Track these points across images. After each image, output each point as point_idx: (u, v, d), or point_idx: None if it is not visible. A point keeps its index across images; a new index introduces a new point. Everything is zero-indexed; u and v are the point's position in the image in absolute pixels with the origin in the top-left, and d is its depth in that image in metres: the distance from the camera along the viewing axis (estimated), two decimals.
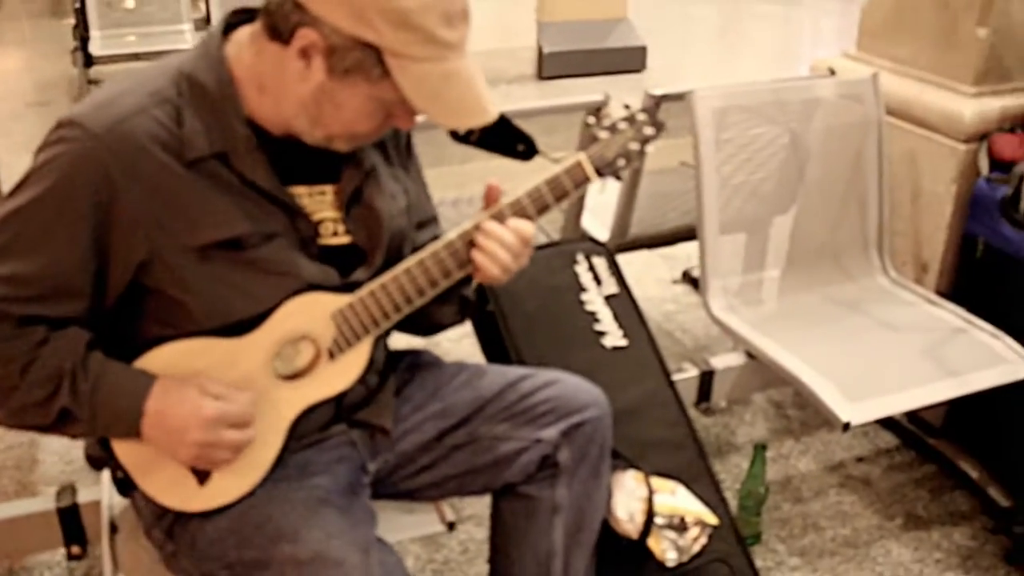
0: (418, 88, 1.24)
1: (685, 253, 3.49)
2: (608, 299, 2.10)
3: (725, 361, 2.33)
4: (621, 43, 6.00)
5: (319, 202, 1.40)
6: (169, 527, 1.44)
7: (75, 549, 1.88)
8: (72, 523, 1.87)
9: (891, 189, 2.57)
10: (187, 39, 5.24)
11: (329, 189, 1.41)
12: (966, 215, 2.48)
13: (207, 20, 5.40)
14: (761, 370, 2.33)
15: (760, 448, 2.26)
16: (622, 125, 1.44)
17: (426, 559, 2.27)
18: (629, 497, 1.73)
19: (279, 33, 1.25)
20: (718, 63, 7.20)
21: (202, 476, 1.38)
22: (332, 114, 1.28)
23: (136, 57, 5.38)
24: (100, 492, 1.81)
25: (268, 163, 1.32)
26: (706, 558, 1.79)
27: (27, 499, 1.94)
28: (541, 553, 1.57)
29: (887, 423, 2.74)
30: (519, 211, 1.41)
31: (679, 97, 2.36)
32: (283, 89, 1.28)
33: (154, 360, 1.34)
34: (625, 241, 2.73)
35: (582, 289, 2.10)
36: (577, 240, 2.21)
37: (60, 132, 1.27)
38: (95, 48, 5.09)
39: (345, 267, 1.40)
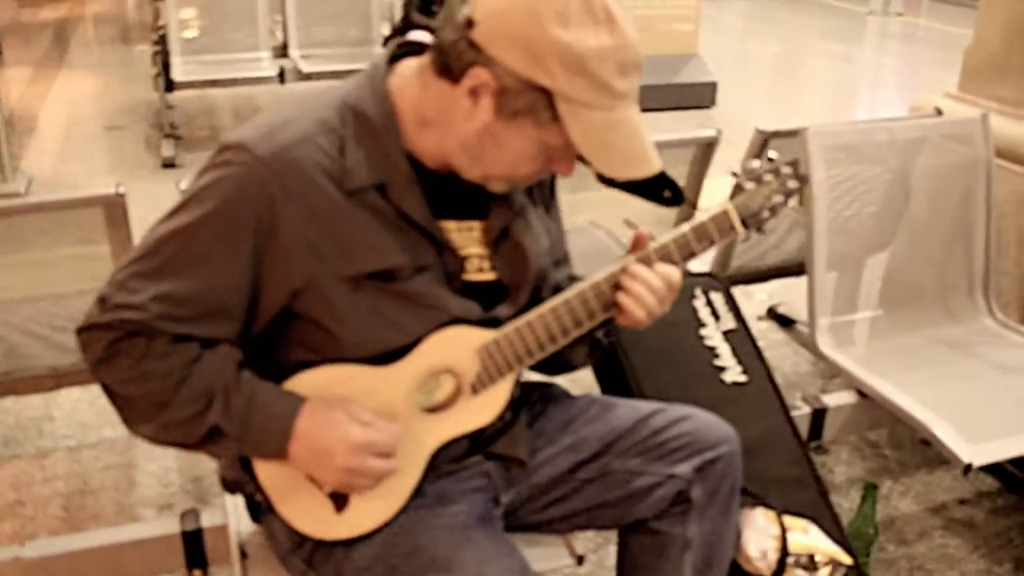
0: (585, 135, 1.24)
1: (769, 289, 3.48)
2: (726, 334, 2.11)
3: (837, 399, 2.32)
4: (692, 79, 6.03)
5: (467, 238, 1.41)
6: (310, 555, 1.44)
7: (197, 573, 1.90)
8: (195, 547, 1.89)
9: (996, 230, 2.56)
10: (265, 67, 5.32)
11: (477, 225, 1.41)
12: None
13: (284, 48, 5.48)
14: (871, 409, 2.31)
15: (871, 487, 2.24)
16: (767, 177, 1.43)
17: None
18: (760, 534, 1.73)
19: (450, 71, 1.26)
20: (784, 100, 7.21)
21: (340, 504, 1.39)
22: (494, 154, 1.29)
23: (214, 84, 5.48)
24: (225, 516, 1.83)
25: (423, 197, 1.34)
26: None
27: (150, 522, 1.96)
28: None
29: (988, 466, 2.70)
30: (665, 256, 1.40)
31: (791, 134, 2.37)
32: (447, 126, 1.30)
33: (299, 384, 1.35)
34: (724, 276, 2.73)
35: (701, 324, 2.10)
36: (694, 275, 2.22)
37: (227, 155, 1.28)
38: (176, 74, 5.18)
39: (487, 303, 1.41)
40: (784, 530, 1.73)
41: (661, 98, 5.92)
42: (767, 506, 1.78)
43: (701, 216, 1.41)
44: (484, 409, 1.42)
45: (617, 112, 1.25)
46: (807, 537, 1.75)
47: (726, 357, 2.08)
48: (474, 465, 1.50)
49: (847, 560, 1.73)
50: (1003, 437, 2.08)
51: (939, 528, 2.51)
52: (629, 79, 1.25)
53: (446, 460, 1.46)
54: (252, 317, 1.34)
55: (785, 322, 3.46)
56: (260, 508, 1.52)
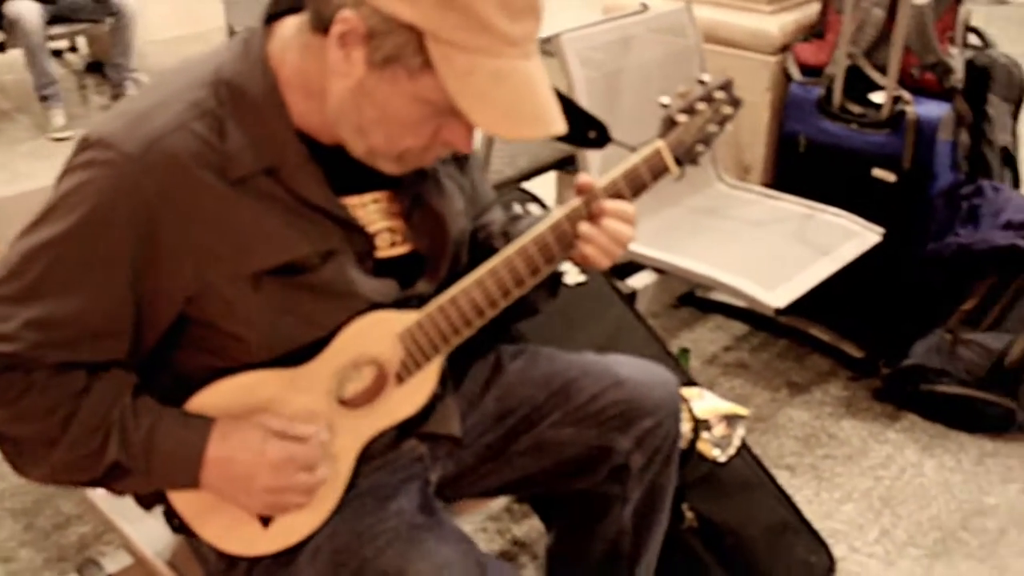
0: (462, 83, 1.08)
1: None
2: None
3: (642, 280, 2.52)
4: None
5: (372, 211, 1.28)
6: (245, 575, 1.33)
7: None
8: None
9: None
10: None
11: (382, 196, 1.29)
12: (782, 118, 2.84)
13: None
14: (667, 283, 2.55)
15: (685, 352, 2.49)
16: (700, 105, 1.33)
17: None
18: None
19: (322, 21, 1.11)
20: None
21: (266, 519, 1.29)
22: (373, 120, 1.14)
23: None
24: (128, 555, 1.65)
25: (322, 176, 1.20)
26: None
27: None
28: (609, 536, 1.55)
29: (734, 312, 3.08)
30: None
31: (544, 40, 2.49)
32: (326, 88, 1.15)
33: (205, 399, 1.23)
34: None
35: None
36: (509, 190, 2.28)
37: (89, 153, 1.13)
38: None
39: (405, 279, 1.30)
40: (687, 401, 1.89)
41: None
42: None
43: (633, 159, 1.31)
44: (412, 397, 1.33)
45: (503, 60, 1.09)
46: (705, 402, 1.92)
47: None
48: (408, 451, 1.41)
49: (744, 412, 1.94)
50: (789, 279, 2.39)
51: (721, 375, 2.84)
52: (518, 23, 1.09)
53: (379, 451, 1.36)
54: (141, 331, 1.19)
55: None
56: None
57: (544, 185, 2.96)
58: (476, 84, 1.08)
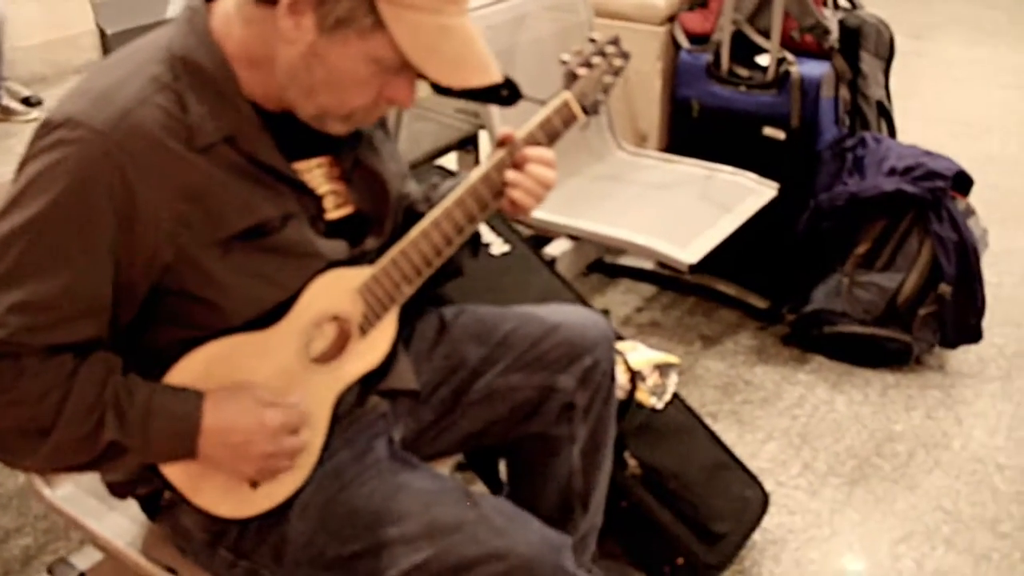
0: (413, 39, 1.17)
1: None
2: None
3: (559, 247, 2.60)
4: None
5: (317, 176, 1.36)
6: (235, 543, 1.38)
7: None
8: None
9: None
10: None
11: (324, 161, 1.37)
12: (674, 85, 2.97)
13: None
14: (580, 251, 2.64)
15: (605, 313, 2.57)
16: (595, 59, 1.46)
17: None
18: None
19: None
20: None
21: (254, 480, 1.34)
22: (324, 81, 1.21)
23: None
24: (99, 549, 1.66)
25: (274, 142, 1.27)
26: None
27: None
28: (562, 477, 1.65)
29: (641, 275, 3.20)
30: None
31: None
32: (274, 57, 1.21)
33: (184, 372, 1.26)
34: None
35: None
36: (428, 168, 2.33)
37: (57, 134, 1.16)
38: None
39: (352, 239, 1.38)
40: (622, 353, 1.98)
41: None
42: None
43: (545, 110, 1.43)
44: (375, 346, 1.41)
45: (446, 17, 1.19)
46: (638, 354, 2.02)
47: (485, 233, 2.24)
48: (372, 409, 1.49)
49: (675, 360, 2.04)
50: (698, 236, 2.52)
51: (636, 336, 2.95)
52: None
53: (345, 411, 1.43)
54: (119, 307, 1.22)
55: None
56: (159, 507, 1.42)
57: (445, 166, 3.02)
58: (426, 40, 1.18)
